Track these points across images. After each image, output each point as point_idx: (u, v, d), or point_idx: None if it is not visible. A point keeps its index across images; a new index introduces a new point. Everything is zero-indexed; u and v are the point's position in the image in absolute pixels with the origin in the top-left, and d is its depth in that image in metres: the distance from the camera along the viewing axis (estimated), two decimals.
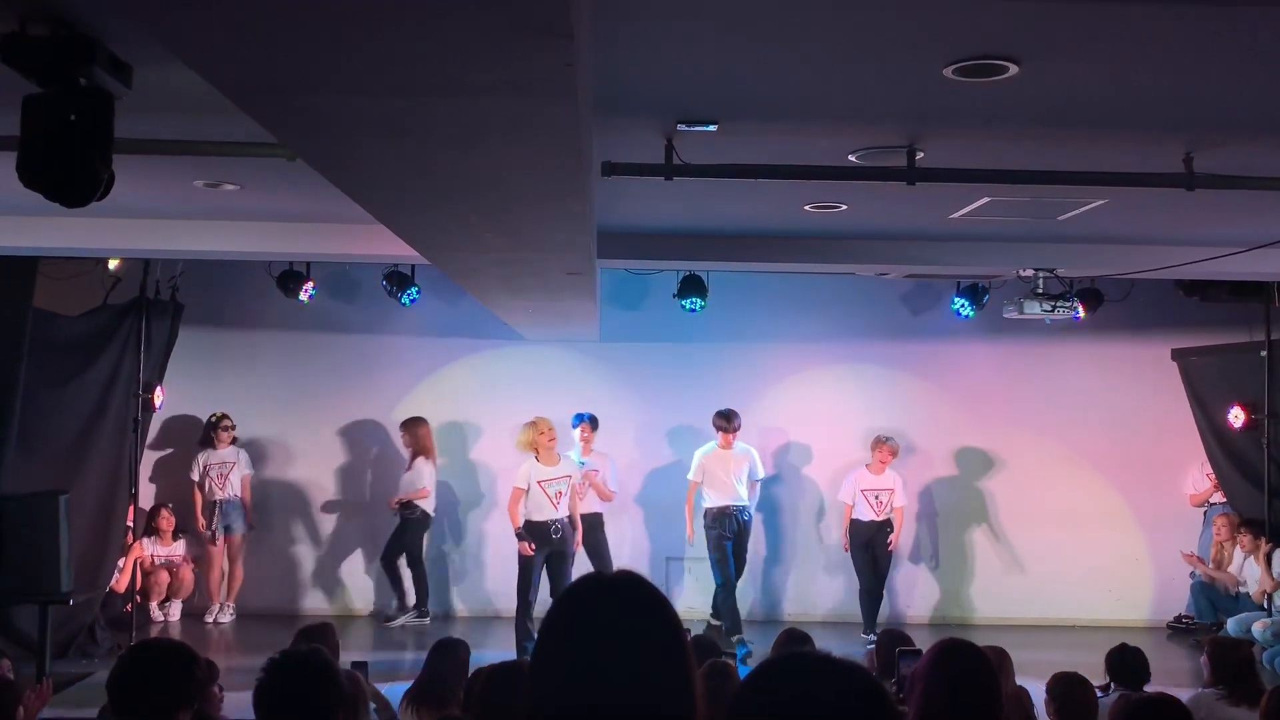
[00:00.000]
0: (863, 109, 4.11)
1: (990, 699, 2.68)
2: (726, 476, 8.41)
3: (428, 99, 2.61)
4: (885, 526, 8.74)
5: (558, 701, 1.51)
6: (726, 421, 8.48)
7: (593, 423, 8.73)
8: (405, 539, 9.08)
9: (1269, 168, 4.76)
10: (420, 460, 9.10)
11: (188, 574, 9.08)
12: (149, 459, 9.34)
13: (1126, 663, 4.93)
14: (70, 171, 3.16)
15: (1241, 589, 8.74)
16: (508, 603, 9.39)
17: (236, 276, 9.17)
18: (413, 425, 9.17)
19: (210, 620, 9.03)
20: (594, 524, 8.42)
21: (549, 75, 2.38)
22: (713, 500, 8.42)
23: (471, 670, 4.44)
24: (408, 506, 9.04)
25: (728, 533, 8.36)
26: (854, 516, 8.78)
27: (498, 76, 2.40)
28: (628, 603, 1.58)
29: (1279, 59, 3.43)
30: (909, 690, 2.84)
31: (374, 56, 2.33)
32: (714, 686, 1.53)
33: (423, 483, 9.06)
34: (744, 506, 8.46)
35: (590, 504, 8.45)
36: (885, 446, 8.83)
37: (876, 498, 8.75)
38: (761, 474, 8.73)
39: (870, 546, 8.75)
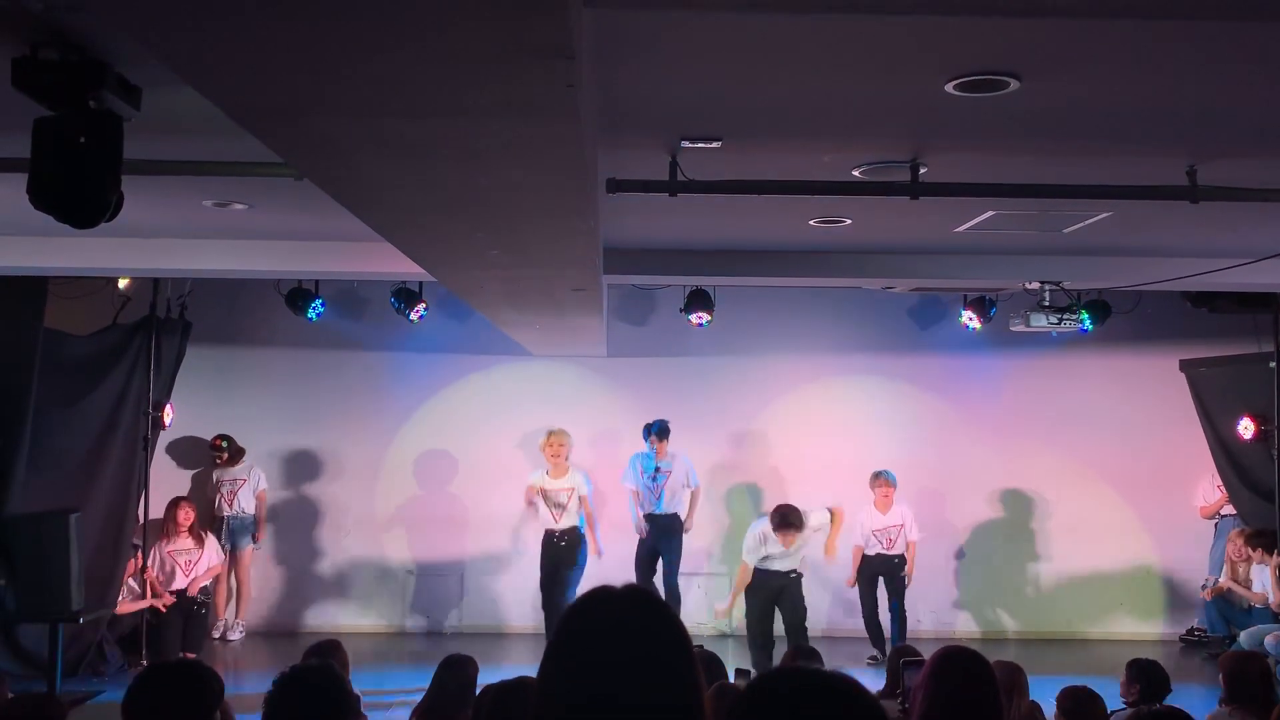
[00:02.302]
0: (865, 125, 4.13)
1: (990, 704, 2.69)
2: (778, 549, 7.80)
3: (431, 120, 2.64)
4: (898, 561, 8.54)
5: (563, 712, 1.52)
6: (783, 521, 7.58)
7: (660, 433, 8.59)
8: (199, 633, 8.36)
9: (1273, 179, 4.76)
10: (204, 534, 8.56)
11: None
12: (180, 477, 9.38)
13: (1149, 675, 4.91)
14: (80, 193, 3.20)
15: (1260, 605, 8.67)
16: (519, 619, 9.46)
17: (245, 294, 9.23)
18: (182, 506, 8.55)
19: (219, 637, 9.04)
20: (570, 539, 8.21)
21: (551, 96, 2.40)
22: (762, 565, 7.86)
23: (480, 688, 4.43)
24: (205, 590, 8.48)
25: (766, 592, 7.78)
26: (865, 551, 8.65)
27: (500, 98, 2.43)
28: (634, 615, 1.58)
29: (1278, 72, 3.44)
30: (911, 700, 2.84)
31: (377, 78, 2.36)
32: (720, 709, 1.53)
33: (218, 559, 8.68)
34: (790, 569, 7.84)
35: (567, 519, 8.21)
36: (881, 481, 8.60)
37: (888, 537, 8.58)
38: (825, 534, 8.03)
39: (879, 578, 8.58)
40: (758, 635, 7.92)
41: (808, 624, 8.01)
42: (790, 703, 1.43)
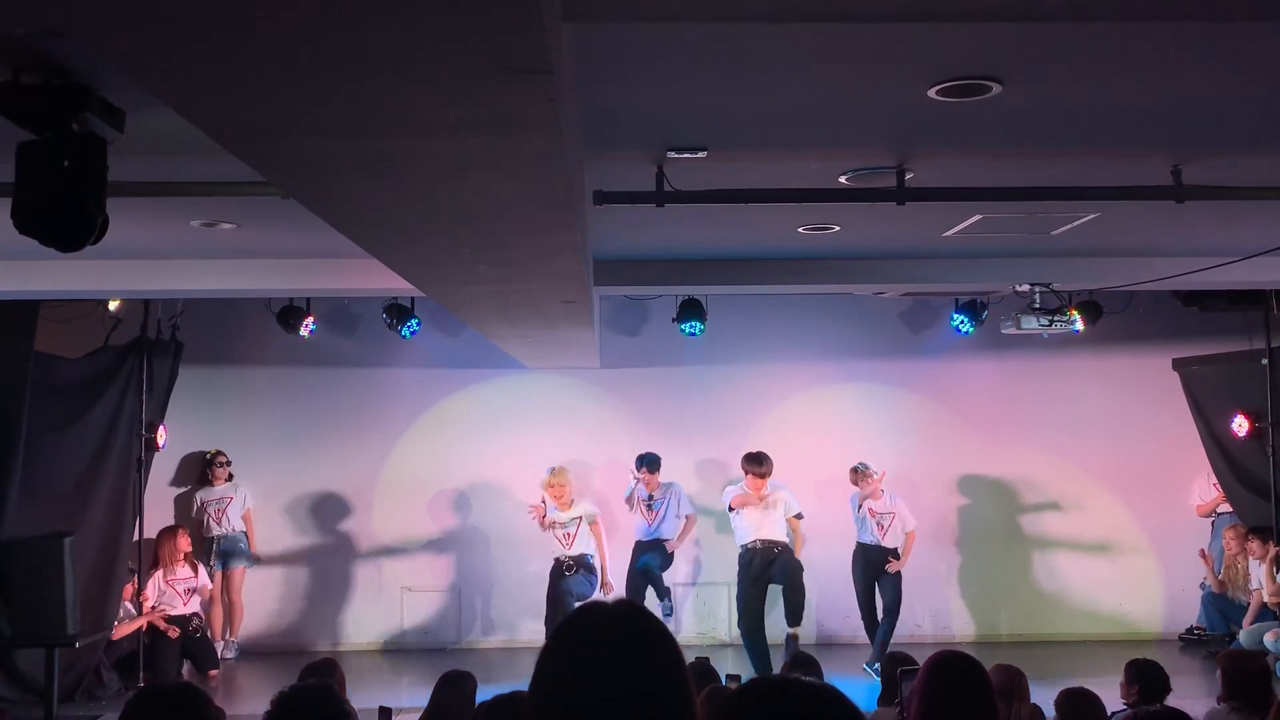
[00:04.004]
0: (850, 132, 4.14)
1: (985, 708, 2.69)
2: (757, 512, 8.03)
3: (412, 138, 2.64)
4: (894, 553, 8.45)
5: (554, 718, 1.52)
6: (756, 465, 8.06)
7: (650, 466, 8.56)
8: (208, 652, 8.48)
9: (1257, 177, 4.78)
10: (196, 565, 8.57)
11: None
12: (168, 498, 9.35)
13: (1148, 675, 4.90)
14: (65, 216, 3.20)
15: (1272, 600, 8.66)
16: (518, 634, 9.43)
17: (237, 314, 9.22)
18: (179, 534, 8.55)
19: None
20: (578, 568, 8.22)
21: (531, 111, 2.40)
22: (742, 536, 8.06)
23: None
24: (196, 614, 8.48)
25: (756, 571, 7.95)
26: (859, 540, 8.58)
27: (481, 114, 2.43)
28: (624, 626, 1.59)
29: (1260, 72, 3.46)
30: (907, 706, 2.85)
31: (356, 97, 2.36)
32: (712, 712, 1.54)
33: (209, 583, 8.70)
34: (779, 542, 7.96)
35: (577, 545, 8.24)
36: (853, 474, 8.52)
37: (879, 523, 8.51)
38: (797, 508, 8.23)
39: (877, 571, 8.47)
40: (747, 623, 7.93)
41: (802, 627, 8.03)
42: (774, 710, 1.43)
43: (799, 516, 8.25)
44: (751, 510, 8.04)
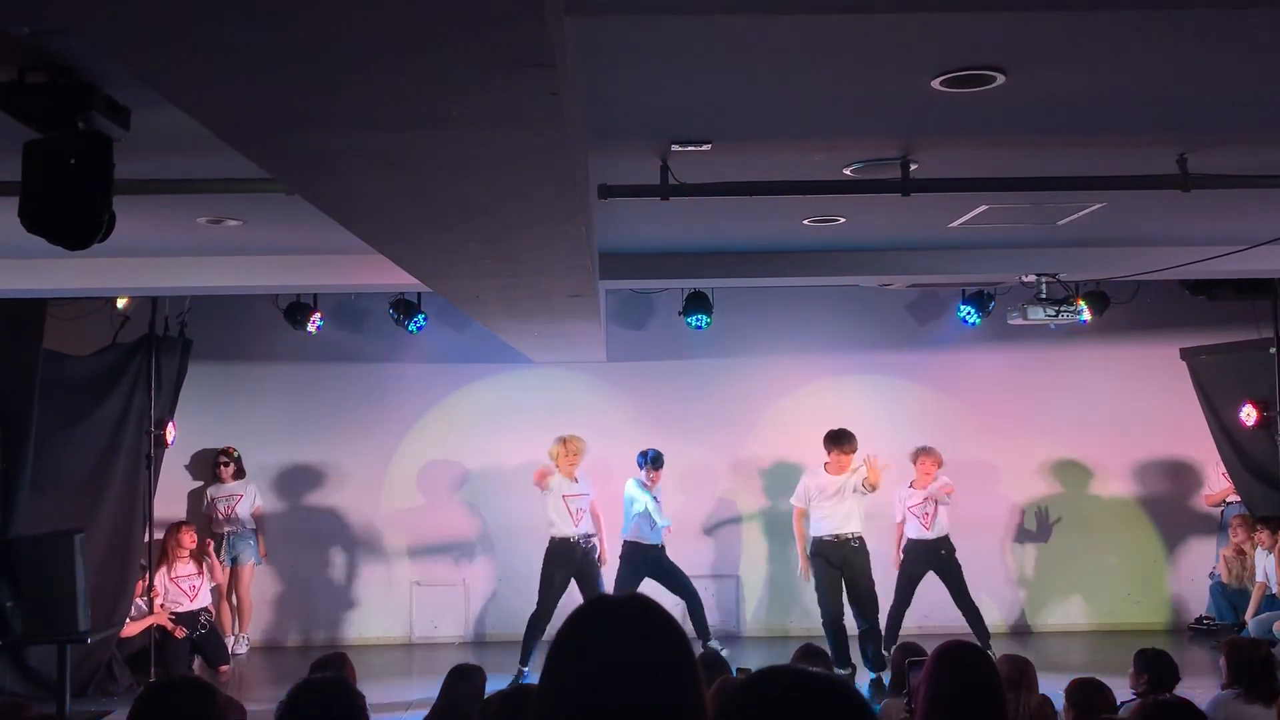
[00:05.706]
0: (854, 123, 4.13)
1: (992, 696, 2.70)
2: (833, 501, 7.84)
3: (415, 133, 2.65)
4: (943, 544, 8.25)
5: (563, 715, 1.52)
6: (839, 444, 7.82)
7: (654, 462, 8.30)
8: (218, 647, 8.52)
9: (1263, 166, 4.77)
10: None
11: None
12: (180, 495, 9.39)
13: (1157, 664, 4.90)
14: (71, 215, 3.21)
15: (1273, 590, 8.65)
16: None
17: (244, 310, 9.24)
18: (184, 530, 8.52)
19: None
20: (592, 546, 8.14)
21: (534, 104, 2.41)
22: (817, 528, 7.88)
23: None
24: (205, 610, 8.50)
25: (832, 564, 7.82)
26: (908, 535, 8.35)
27: (484, 108, 2.44)
28: (633, 619, 1.59)
29: (1266, 59, 3.45)
30: (914, 696, 2.85)
31: (359, 92, 2.37)
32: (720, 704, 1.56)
33: (218, 577, 8.75)
34: (850, 532, 7.78)
35: (584, 524, 8.12)
36: (927, 458, 8.34)
37: (925, 511, 8.30)
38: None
39: (925, 566, 8.25)
40: (829, 614, 7.79)
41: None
42: (780, 700, 1.43)
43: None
44: (825, 500, 7.82)
